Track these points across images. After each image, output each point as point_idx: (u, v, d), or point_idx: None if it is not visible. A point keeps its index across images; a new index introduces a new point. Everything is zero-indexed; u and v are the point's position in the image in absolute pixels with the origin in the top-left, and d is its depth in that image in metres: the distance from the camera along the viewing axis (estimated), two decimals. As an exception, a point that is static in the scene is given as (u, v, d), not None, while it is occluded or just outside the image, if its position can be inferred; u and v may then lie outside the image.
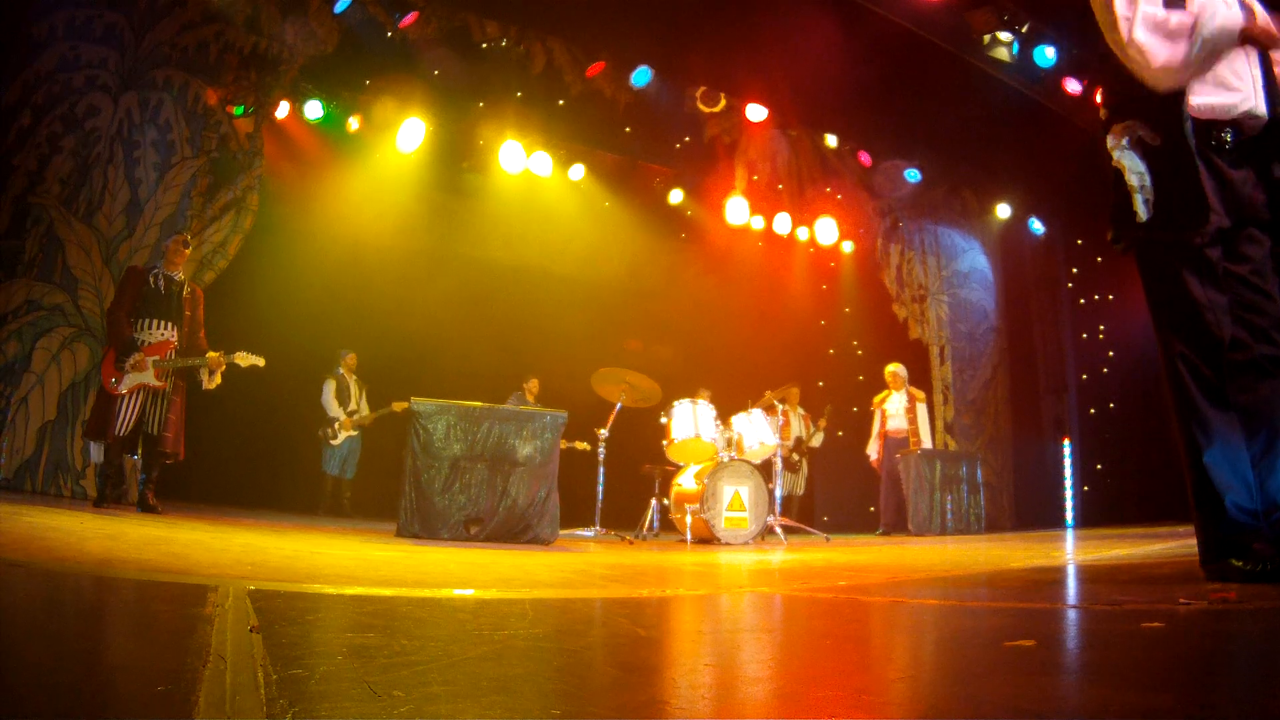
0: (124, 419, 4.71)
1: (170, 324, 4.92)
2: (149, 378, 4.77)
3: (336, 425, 7.38)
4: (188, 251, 5.15)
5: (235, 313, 6.43)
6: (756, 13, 6.73)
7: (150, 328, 4.85)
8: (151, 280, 4.89)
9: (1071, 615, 1.76)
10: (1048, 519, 9.15)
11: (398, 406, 7.35)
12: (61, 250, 5.64)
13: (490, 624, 1.54)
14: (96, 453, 4.80)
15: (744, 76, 7.91)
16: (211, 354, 4.85)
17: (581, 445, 6.68)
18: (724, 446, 5.96)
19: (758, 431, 6.14)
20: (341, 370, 7.51)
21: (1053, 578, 2.73)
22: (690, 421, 5.95)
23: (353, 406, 7.48)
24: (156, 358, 4.81)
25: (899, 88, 7.63)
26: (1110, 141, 2.18)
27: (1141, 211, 2.08)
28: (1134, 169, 2.10)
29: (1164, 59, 2.05)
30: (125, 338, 4.76)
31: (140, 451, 4.88)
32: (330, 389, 7.43)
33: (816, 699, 0.99)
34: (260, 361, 4.96)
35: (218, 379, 4.92)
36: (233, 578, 1.97)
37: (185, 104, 6.15)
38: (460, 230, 8.77)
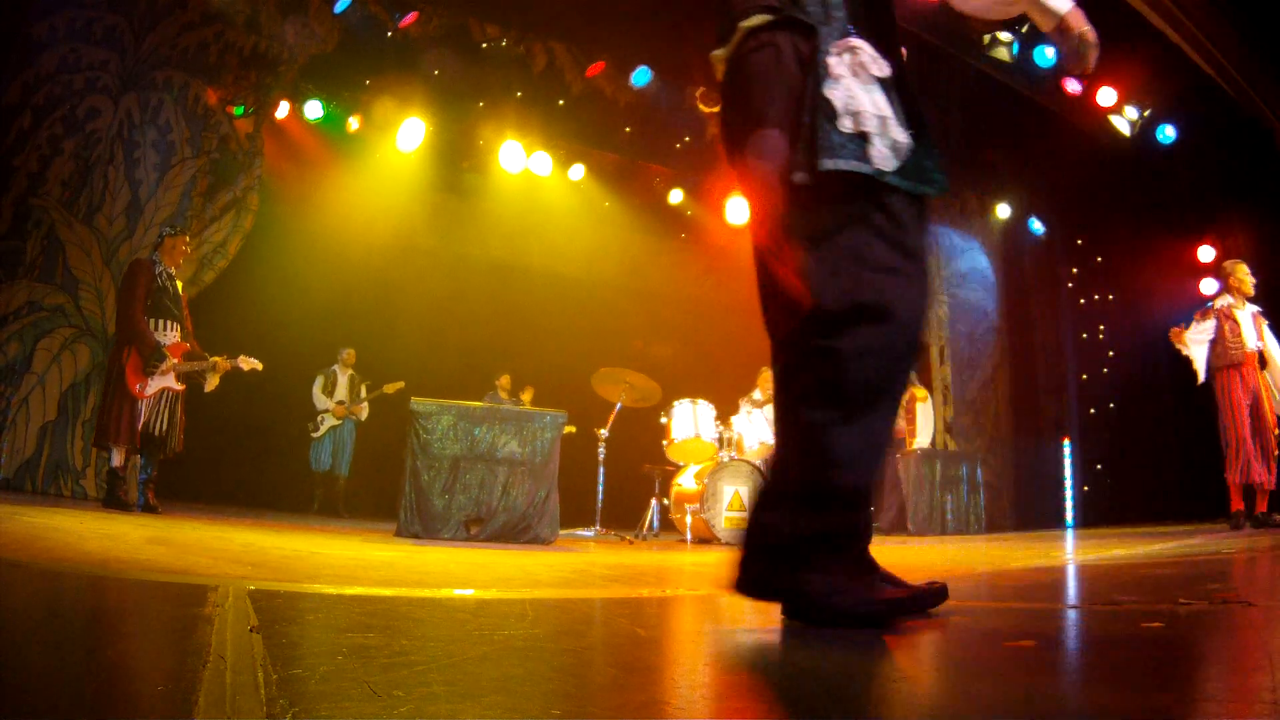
0: (145, 421, 4.73)
1: (176, 325, 4.93)
2: (172, 381, 4.82)
3: (319, 416, 7.38)
4: (189, 251, 5.16)
5: (235, 312, 6.44)
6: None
7: (163, 329, 4.86)
8: (159, 279, 4.89)
9: (1071, 615, 1.76)
10: (1048, 519, 9.14)
11: (390, 388, 7.35)
12: (62, 251, 5.64)
13: (490, 624, 1.54)
14: (118, 456, 4.74)
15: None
16: (217, 358, 4.90)
17: (569, 429, 6.67)
18: (724, 446, 5.96)
19: (758, 431, 6.14)
20: (336, 367, 7.51)
21: (1053, 578, 2.73)
22: (690, 421, 5.95)
23: (340, 397, 7.47)
24: (175, 361, 4.84)
25: (899, 88, 7.63)
26: (832, 64, 1.50)
27: (888, 160, 1.47)
28: (867, 106, 1.48)
29: None
30: (151, 341, 4.76)
31: (142, 451, 4.85)
32: (318, 384, 7.44)
33: (816, 699, 0.99)
34: (259, 365, 5.06)
35: (217, 380, 4.96)
36: (233, 578, 1.97)
37: (185, 104, 6.16)
38: (460, 230, 8.77)
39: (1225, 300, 5.41)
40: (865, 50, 1.51)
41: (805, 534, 1.46)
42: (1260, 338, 5.30)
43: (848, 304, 1.45)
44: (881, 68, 1.52)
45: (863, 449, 1.47)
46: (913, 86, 1.58)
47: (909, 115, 1.54)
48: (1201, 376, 5.30)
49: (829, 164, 1.44)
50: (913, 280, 1.50)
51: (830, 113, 1.46)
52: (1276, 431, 5.11)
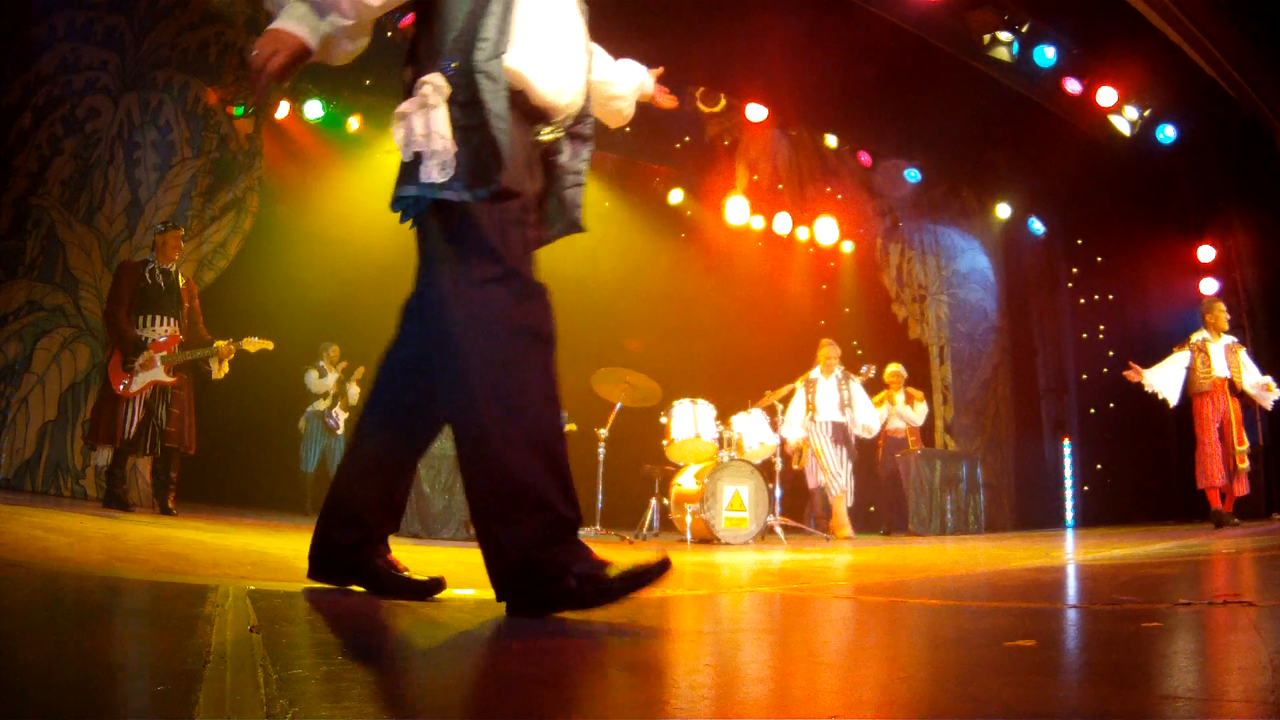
0: (131, 420, 4.66)
1: (172, 319, 4.86)
2: (160, 374, 4.73)
3: (333, 412, 7.36)
4: (183, 245, 5.11)
5: (235, 313, 6.43)
6: (756, 13, 6.73)
7: (153, 324, 4.79)
8: (148, 276, 4.82)
9: (1071, 615, 1.76)
10: (1048, 519, 9.14)
11: (359, 373, 7.44)
12: (62, 251, 5.64)
13: (491, 624, 1.54)
14: (103, 457, 4.71)
15: (744, 76, 7.90)
16: (219, 343, 4.83)
17: (569, 427, 6.66)
18: (724, 446, 5.96)
19: (758, 431, 6.14)
20: (323, 362, 7.51)
21: (1053, 578, 2.73)
22: (690, 421, 5.95)
23: (332, 389, 7.49)
24: (165, 354, 4.76)
25: (899, 88, 7.64)
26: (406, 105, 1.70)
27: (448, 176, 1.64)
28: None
29: None
30: (130, 337, 4.68)
31: (153, 452, 4.80)
32: (312, 376, 7.42)
33: (816, 699, 0.99)
34: (269, 345, 4.96)
35: (226, 367, 4.90)
36: (233, 578, 1.98)
37: (185, 105, 6.16)
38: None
39: (1201, 335, 6.18)
40: (433, 80, 1.67)
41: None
42: (1232, 366, 6.04)
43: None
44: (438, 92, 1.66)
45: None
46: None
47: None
48: (1173, 401, 6.15)
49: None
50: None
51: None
52: (1242, 447, 5.91)
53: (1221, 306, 6.26)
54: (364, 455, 1.87)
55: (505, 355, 1.60)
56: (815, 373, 6.89)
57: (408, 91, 1.72)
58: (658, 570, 1.60)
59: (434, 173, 1.62)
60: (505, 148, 1.61)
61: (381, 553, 1.87)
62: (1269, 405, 5.99)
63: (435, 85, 1.64)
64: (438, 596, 1.85)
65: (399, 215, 1.76)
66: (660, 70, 2.22)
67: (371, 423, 1.87)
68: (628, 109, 2.20)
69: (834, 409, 6.77)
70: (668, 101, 2.28)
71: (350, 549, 1.83)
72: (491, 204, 1.63)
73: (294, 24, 1.58)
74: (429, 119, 1.63)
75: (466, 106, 1.63)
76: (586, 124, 1.93)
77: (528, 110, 1.75)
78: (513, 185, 1.64)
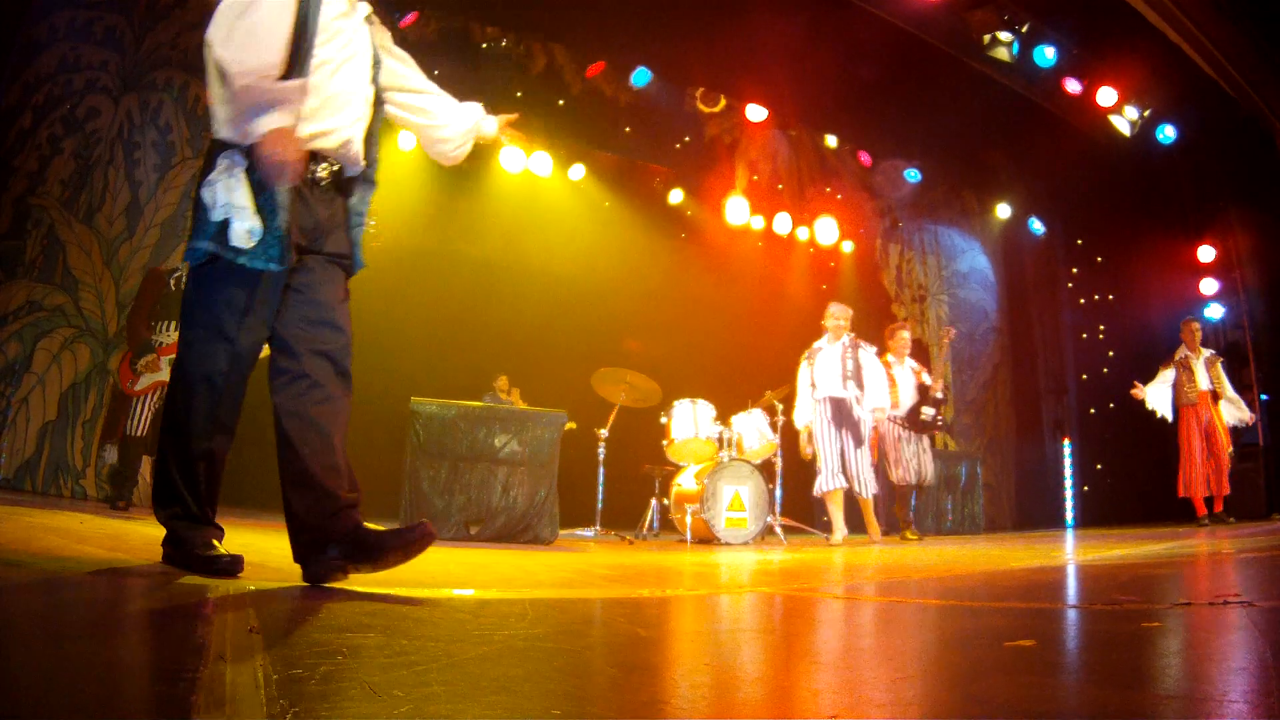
0: (138, 419, 4.74)
1: None
2: (164, 376, 4.78)
3: None
4: None
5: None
6: (756, 13, 6.73)
7: (168, 330, 4.87)
8: (172, 284, 4.94)
9: (1071, 615, 1.76)
10: (1048, 519, 9.14)
11: None
12: (62, 251, 5.64)
13: (490, 624, 1.54)
14: (111, 454, 4.82)
15: (744, 77, 7.91)
16: None
17: (569, 425, 6.64)
18: (724, 446, 5.96)
19: (758, 431, 6.14)
20: None
21: (1053, 578, 2.73)
22: (690, 421, 5.95)
23: None
24: (171, 357, 4.81)
25: (899, 88, 7.64)
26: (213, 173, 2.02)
27: (243, 239, 1.98)
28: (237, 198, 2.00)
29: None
30: (141, 339, 4.83)
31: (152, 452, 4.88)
32: None
33: (816, 699, 0.99)
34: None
35: None
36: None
37: (185, 105, 6.15)
38: (460, 230, 8.77)
39: (1183, 352, 6.71)
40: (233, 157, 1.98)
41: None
42: (1214, 378, 6.56)
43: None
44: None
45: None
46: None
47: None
48: (1170, 417, 6.67)
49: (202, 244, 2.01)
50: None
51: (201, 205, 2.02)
52: (1229, 450, 6.40)
53: (1196, 325, 6.78)
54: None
55: (183, 389, 2.16)
56: (821, 341, 5.93)
57: (209, 158, 2.01)
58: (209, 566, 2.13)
59: (243, 239, 1.95)
60: (288, 226, 2.00)
61: (358, 520, 2.10)
62: (1238, 422, 6.54)
63: (233, 161, 1.97)
64: (436, 595, 1.85)
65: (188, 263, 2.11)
66: (515, 115, 2.62)
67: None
68: (453, 150, 2.52)
69: (835, 382, 5.64)
70: (515, 139, 2.72)
71: (328, 519, 2.08)
72: (254, 272, 2.01)
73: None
74: (235, 193, 1.95)
75: (261, 185, 1.97)
76: (371, 169, 2.29)
77: (308, 154, 2.06)
78: (289, 258, 2.02)
